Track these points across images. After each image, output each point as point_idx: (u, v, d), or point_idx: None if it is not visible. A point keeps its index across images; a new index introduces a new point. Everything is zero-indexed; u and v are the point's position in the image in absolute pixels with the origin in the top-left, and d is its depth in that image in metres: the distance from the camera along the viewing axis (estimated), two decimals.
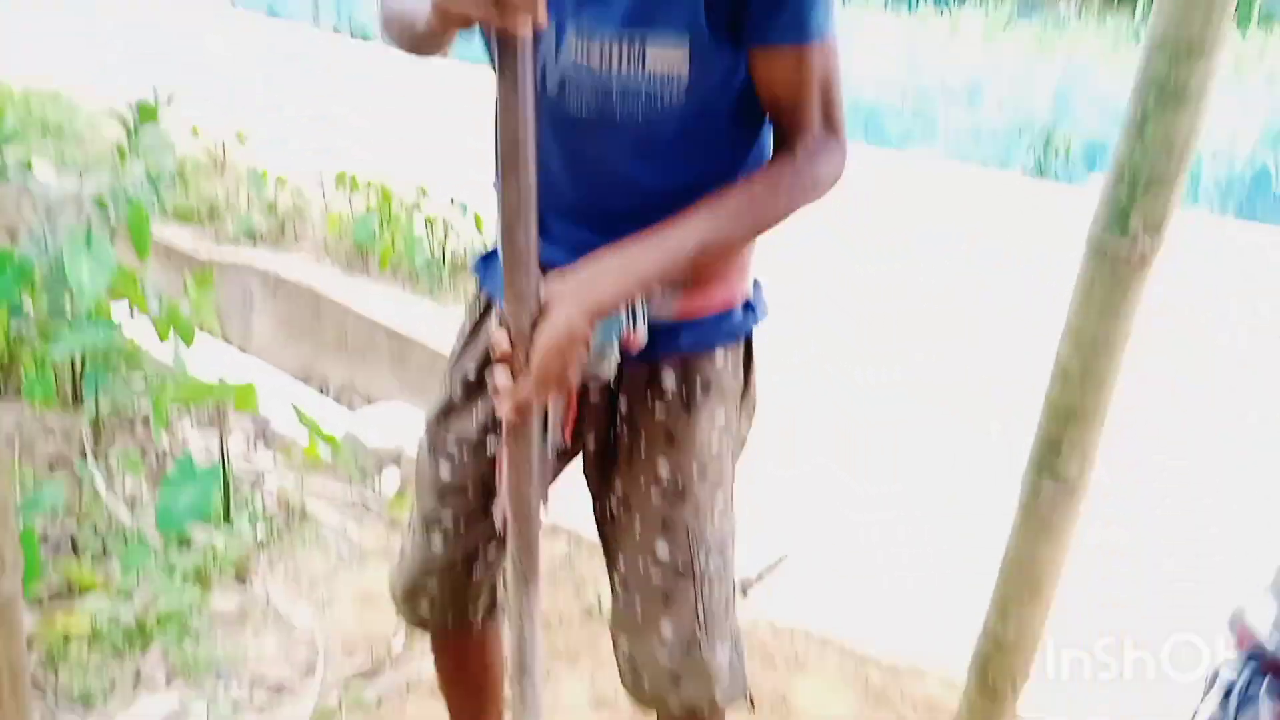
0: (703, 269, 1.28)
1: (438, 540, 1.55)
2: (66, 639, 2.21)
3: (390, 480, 3.06)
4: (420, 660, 2.33)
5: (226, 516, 2.68)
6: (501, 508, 1.36)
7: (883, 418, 3.40)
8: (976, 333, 4.34)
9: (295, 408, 2.67)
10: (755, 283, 1.45)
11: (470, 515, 1.52)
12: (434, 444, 1.53)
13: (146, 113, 4.00)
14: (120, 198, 2.92)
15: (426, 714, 2.19)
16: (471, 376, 1.48)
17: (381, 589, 2.58)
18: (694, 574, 1.44)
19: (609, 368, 1.27)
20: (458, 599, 1.60)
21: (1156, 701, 2.36)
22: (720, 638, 1.50)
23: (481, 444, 1.48)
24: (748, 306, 1.42)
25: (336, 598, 2.54)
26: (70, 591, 2.36)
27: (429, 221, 4.82)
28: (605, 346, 1.24)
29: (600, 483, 1.48)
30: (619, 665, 1.55)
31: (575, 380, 1.21)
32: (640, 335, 1.27)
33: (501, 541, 1.52)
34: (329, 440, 2.64)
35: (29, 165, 3.82)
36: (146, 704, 2.09)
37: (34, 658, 2.16)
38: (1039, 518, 1.86)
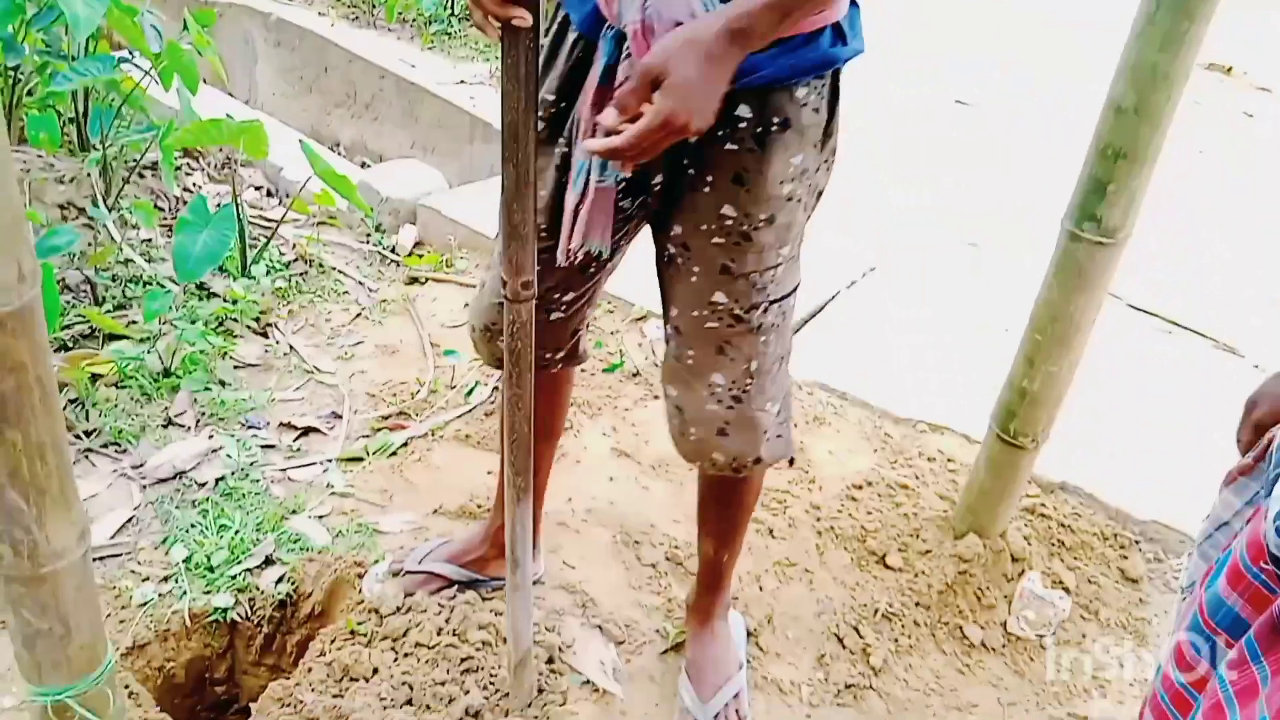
0: None
1: None
2: (94, 381, 2.22)
3: (407, 235, 3.01)
4: (445, 410, 2.36)
5: (244, 268, 2.64)
6: (565, 249, 1.33)
7: (913, 241, 3.29)
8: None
9: (305, 147, 2.57)
10: (853, 4, 1.30)
11: (545, 255, 1.39)
12: None
13: None
14: None
15: (451, 460, 2.23)
16: (551, 106, 1.37)
17: (403, 340, 2.59)
18: (751, 325, 1.40)
19: None
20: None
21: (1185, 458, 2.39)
22: (771, 393, 1.47)
23: (560, 185, 1.38)
24: (838, 34, 1.28)
25: (359, 349, 2.55)
26: (93, 337, 2.36)
27: None
28: None
29: (662, 223, 1.41)
30: (669, 417, 1.53)
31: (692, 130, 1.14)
32: None
33: (581, 292, 1.52)
34: (344, 186, 2.56)
35: None
36: (178, 445, 2.12)
37: (62, 399, 2.17)
38: (1074, 265, 1.81)
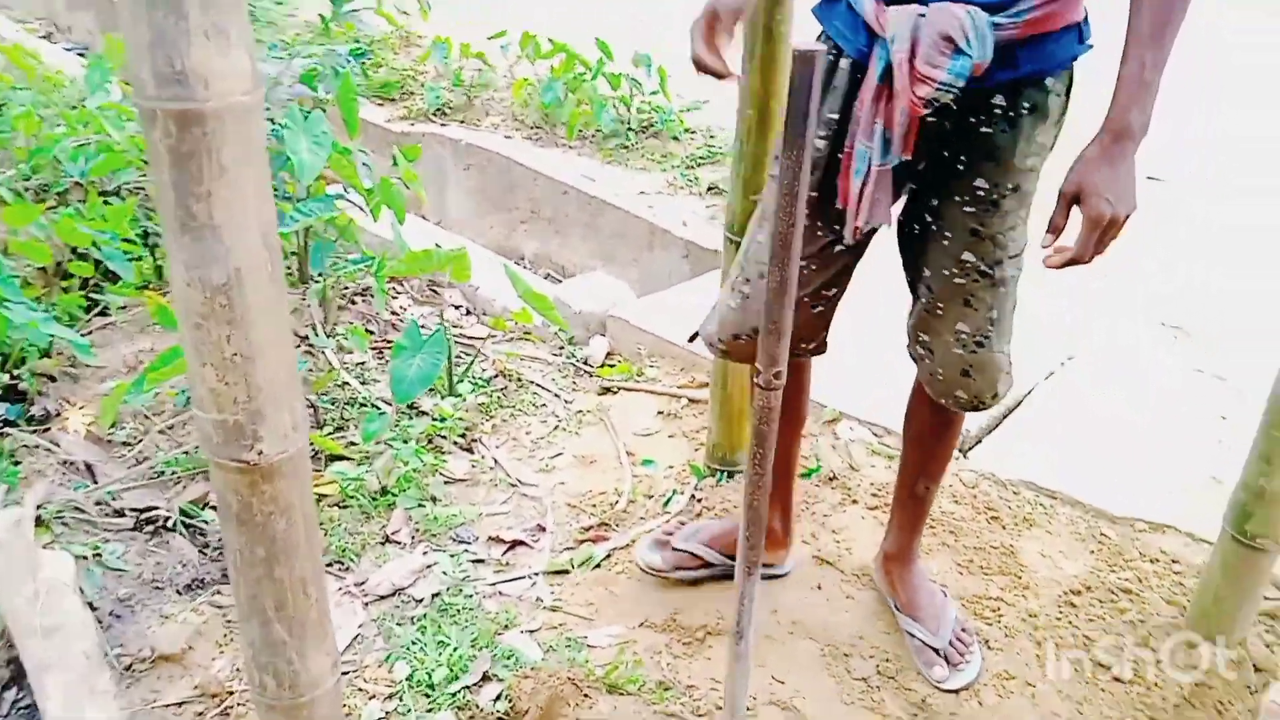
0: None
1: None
2: (319, 501, 2.37)
3: (598, 346, 3.10)
4: (645, 520, 2.40)
5: (450, 387, 2.78)
6: (853, 228, 1.59)
7: (1110, 328, 3.18)
8: None
9: (508, 270, 2.71)
10: (1084, 10, 1.52)
11: (819, 251, 1.70)
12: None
13: None
14: (328, 74, 2.97)
15: None
16: (834, 125, 1.61)
17: (599, 450, 2.65)
18: (994, 278, 1.63)
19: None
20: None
21: None
22: (1006, 338, 1.71)
23: (824, 180, 1.63)
24: (1080, 32, 1.51)
25: (558, 461, 2.62)
26: (315, 458, 2.52)
27: (613, 80, 4.75)
28: (958, 79, 1.41)
29: (917, 198, 1.66)
30: (917, 361, 1.79)
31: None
32: (987, 62, 1.41)
33: (842, 285, 1.79)
34: (541, 303, 2.67)
35: None
36: (396, 563, 2.23)
37: None
38: None
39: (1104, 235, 1.46)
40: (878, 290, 2.06)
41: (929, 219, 1.65)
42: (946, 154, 1.58)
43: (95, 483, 2.30)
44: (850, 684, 1.97)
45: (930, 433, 1.93)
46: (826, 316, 1.85)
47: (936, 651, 1.96)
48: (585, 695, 1.91)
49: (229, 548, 1.17)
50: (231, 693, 1.89)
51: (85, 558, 2.04)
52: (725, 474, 2.50)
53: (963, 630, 1.99)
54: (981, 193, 1.57)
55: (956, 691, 1.93)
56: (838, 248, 1.70)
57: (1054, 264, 1.51)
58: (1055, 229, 1.50)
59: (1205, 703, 1.89)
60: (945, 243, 1.63)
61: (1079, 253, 1.48)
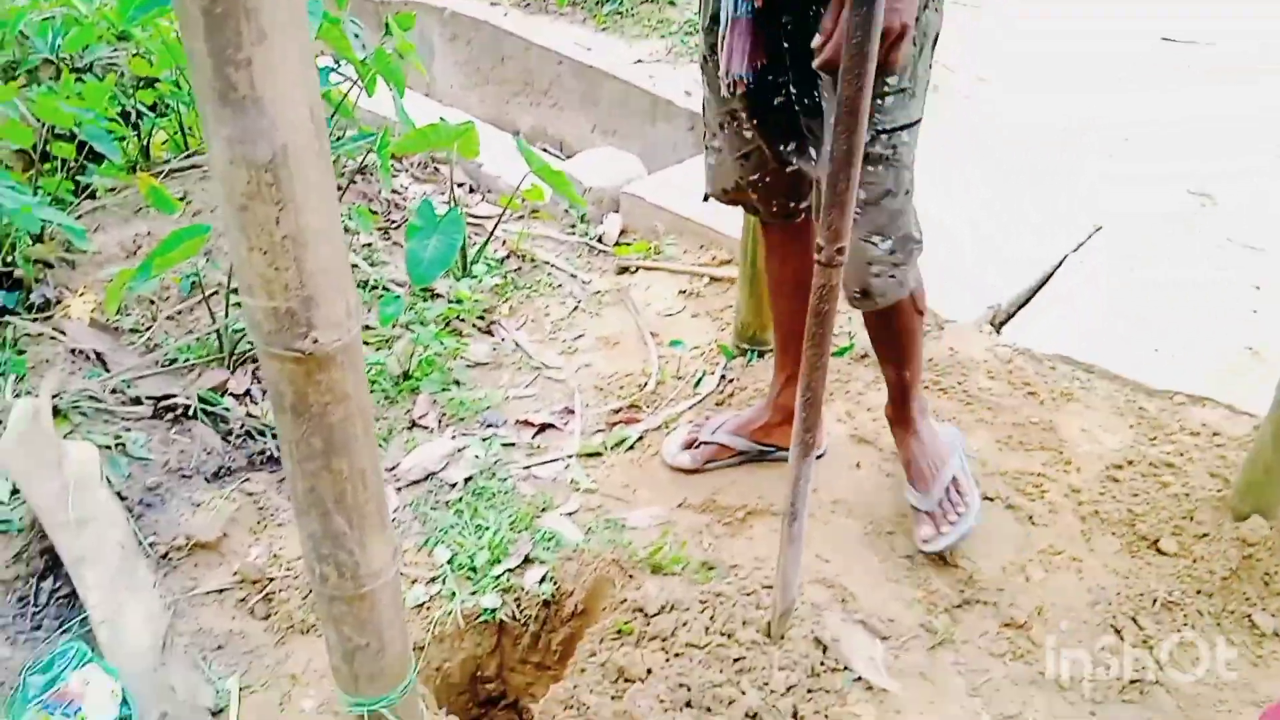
0: None
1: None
2: None
3: (612, 224, 3.00)
4: (676, 402, 2.34)
5: (465, 268, 2.68)
6: (723, 77, 1.63)
7: (1138, 196, 3.10)
8: None
9: (520, 145, 2.58)
10: None
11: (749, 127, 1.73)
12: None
13: None
14: None
15: None
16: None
17: (622, 331, 2.58)
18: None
19: None
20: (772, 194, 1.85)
21: None
22: (879, 225, 1.67)
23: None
24: None
25: (580, 343, 2.55)
26: None
27: None
28: None
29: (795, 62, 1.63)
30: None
31: None
32: None
33: (800, 140, 1.74)
34: (557, 179, 2.56)
35: None
36: (426, 447, 2.17)
37: None
38: None
39: (892, 45, 1.38)
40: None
41: (820, 92, 1.62)
42: (813, 11, 1.53)
43: (107, 371, 2.21)
44: (895, 562, 1.95)
45: (869, 326, 1.90)
46: (802, 173, 1.79)
47: (925, 514, 1.94)
48: (630, 576, 1.89)
49: (284, 440, 1.10)
50: (272, 579, 1.85)
51: (109, 448, 1.96)
52: (755, 353, 2.44)
53: (955, 490, 1.96)
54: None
55: (941, 554, 1.92)
56: (732, 104, 1.72)
57: (819, 64, 1.42)
58: (825, 32, 1.40)
59: (1253, 574, 1.89)
60: (830, 116, 1.53)
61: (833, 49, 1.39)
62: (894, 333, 1.88)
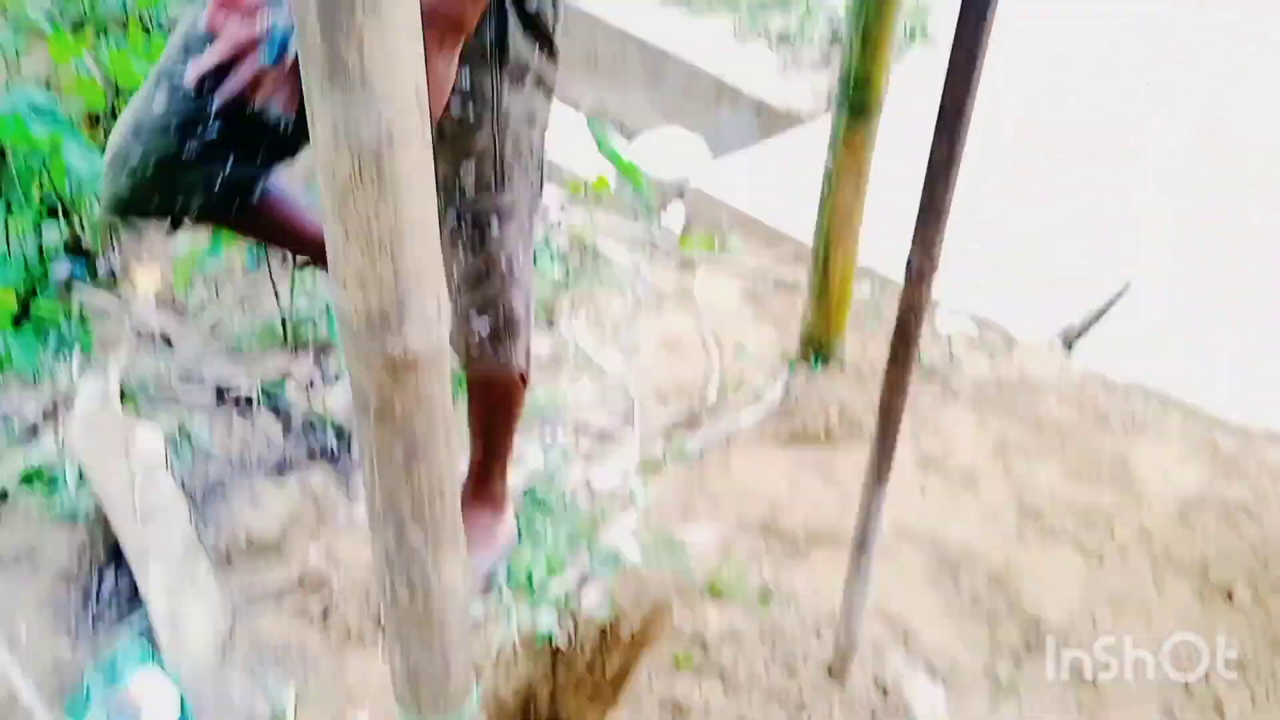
0: None
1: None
2: None
3: (676, 215, 2.95)
4: (737, 411, 2.30)
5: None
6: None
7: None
8: None
9: (592, 126, 2.52)
10: None
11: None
12: None
13: None
14: None
15: (749, 466, 2.17)
16: None
17: (684, 332, 2.53)
18: None
19: None
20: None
21: None
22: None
23: None
24: None
25: (641, 343, 2.51)
26: None
27: None
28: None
29: None
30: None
31: None
32: None
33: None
34: (629, 171, 2.49)
35: None
36: None
37: None
38: None
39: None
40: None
41: None
42: None
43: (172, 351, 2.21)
44: (961, 597, 1.91)
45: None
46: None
47: None
48: (688, 602, 1.86)
49: (365, 448, 1.04)
50: (330, 585, 1.84)
51: (172, 435, 1.96)
52: (820, 362, 2.39)
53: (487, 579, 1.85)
54: None
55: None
56: None
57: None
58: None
59: None
60: None
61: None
62: (477, 405, 1.77)
